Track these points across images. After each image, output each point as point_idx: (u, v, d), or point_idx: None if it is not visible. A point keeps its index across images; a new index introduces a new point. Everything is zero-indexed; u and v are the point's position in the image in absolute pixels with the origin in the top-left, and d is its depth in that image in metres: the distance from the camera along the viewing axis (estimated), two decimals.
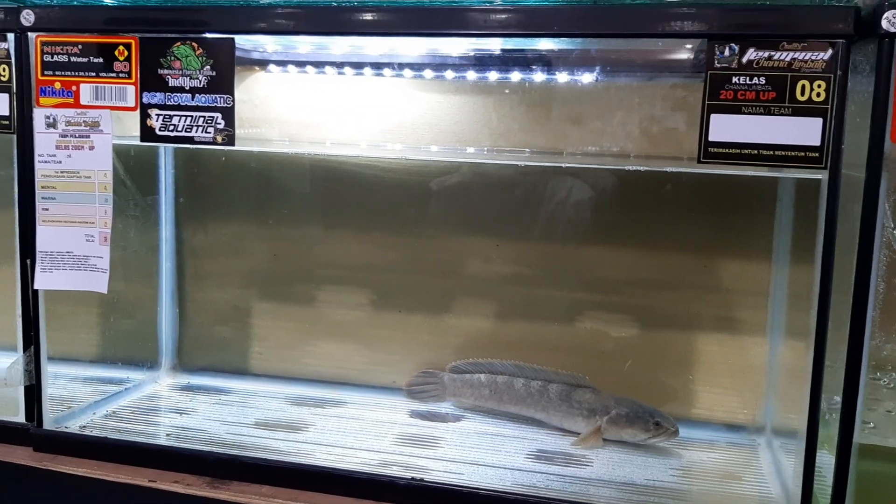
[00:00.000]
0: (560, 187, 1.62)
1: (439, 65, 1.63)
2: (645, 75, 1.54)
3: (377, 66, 1.66)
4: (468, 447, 1.48)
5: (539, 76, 1.60)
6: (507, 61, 1.59)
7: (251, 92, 1.71)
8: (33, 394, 1.48)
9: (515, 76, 1.61)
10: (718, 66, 1.11)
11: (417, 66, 1.64)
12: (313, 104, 1.73)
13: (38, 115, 1.37)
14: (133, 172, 1.65)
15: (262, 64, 1.70)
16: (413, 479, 1.30)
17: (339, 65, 1.68)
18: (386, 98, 1.70)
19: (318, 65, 1.69)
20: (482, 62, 1.61)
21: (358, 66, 1.67)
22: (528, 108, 1.63)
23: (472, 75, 1.63)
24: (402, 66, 1.65)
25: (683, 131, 1.55)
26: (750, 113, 1.10)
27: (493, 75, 1.63)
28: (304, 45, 1.65)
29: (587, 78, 1.57)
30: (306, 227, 1.76)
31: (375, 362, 1.76)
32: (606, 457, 1.45)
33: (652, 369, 1.61)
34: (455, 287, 1.71)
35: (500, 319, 1.69)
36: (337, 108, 1.72)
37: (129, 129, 1.41)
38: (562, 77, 1.58)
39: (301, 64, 1.71)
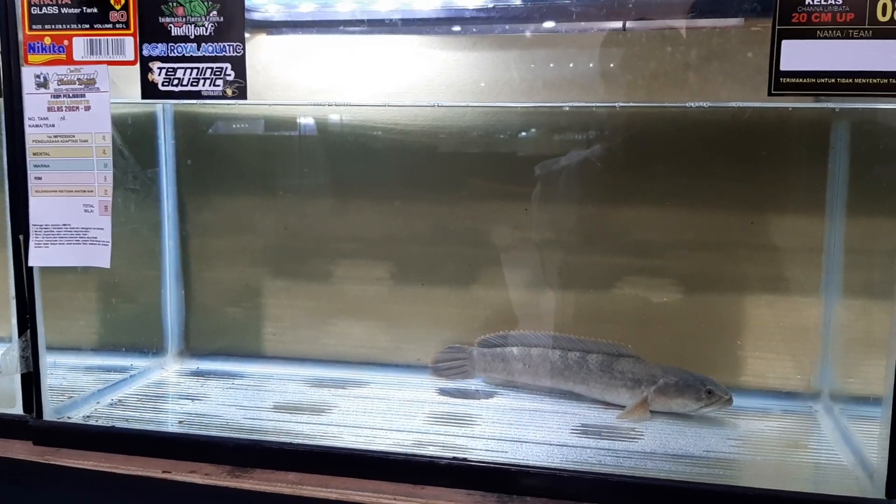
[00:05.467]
0: (590, 145, 1.51)
1: (454, 19, 1.53)
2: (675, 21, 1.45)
3: (387, 23, 1.56)
4: (507, 424, 1.37)
5: (562, 27, 1.49)
6: (529, 12, 1.48)
7: (253, 56, 1.58)
8: (31, 382, 1.36)
9: (538, 28, 1.50)
10: None
11: (431, 22, 1.54)
12: (320, 68, 1.62)
13: (27, 75, 1.25)
14: (131, 143, 1.53)
15: (264, 26, 1.59)
16: (455, 458, 1.19)
17: (347, 24, 1.57)
18: (398, 58, 1.59)
19: (324, 24, 1.59)
20: (501, 14, 1.50)
21: (367, 24, 1.56)
22: (554, 63, 1.52)
23: (490, 29, 1.52)
24: (414, 21, 1.55)
25: (720, 80, 1.46)
26: (826, 37, 0.99)
27: (513, 28, 1.52)
28: (309, 3, 1.53)
29: (614, 27, 1.47)
30: (320, 197, 1.65)
31: (398, 339, 1.65)
32: (656, 429, 1.35)
33: (698, 335, 1.50)
34: (481, 256, 1.60)
35: (531, 289, 1.58)
36: (345, 71, 1.61)
37: (123, 91, 1.29)
38: (588, 27, 1.48)
39: (305, 25, 1.61)
